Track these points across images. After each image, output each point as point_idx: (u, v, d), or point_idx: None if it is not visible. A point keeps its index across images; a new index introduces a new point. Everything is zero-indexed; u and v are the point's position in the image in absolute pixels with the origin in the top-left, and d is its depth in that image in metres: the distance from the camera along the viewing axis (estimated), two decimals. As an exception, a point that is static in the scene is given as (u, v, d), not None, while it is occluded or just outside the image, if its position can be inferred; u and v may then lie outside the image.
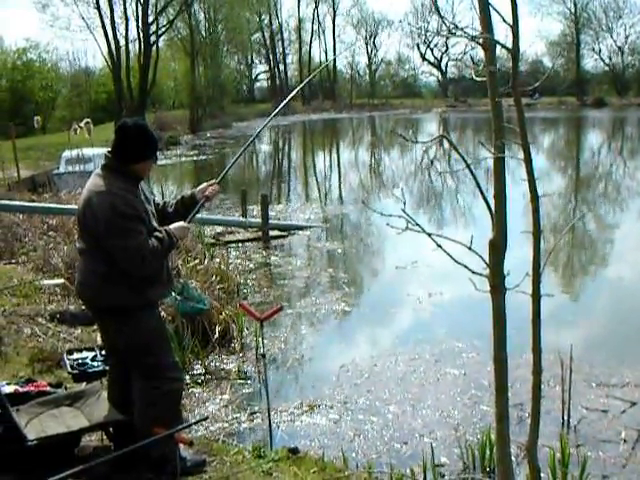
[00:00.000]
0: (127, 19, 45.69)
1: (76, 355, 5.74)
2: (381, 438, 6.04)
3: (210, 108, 49.27)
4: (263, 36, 73.62)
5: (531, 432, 4.52)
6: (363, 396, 6.89)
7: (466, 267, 4.69)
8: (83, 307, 7.92)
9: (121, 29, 45.17)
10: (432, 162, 28.89)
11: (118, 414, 4.80)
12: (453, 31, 4.38)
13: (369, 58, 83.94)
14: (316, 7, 78.37)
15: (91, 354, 5.73)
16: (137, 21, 45.37)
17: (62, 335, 7.81)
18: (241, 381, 7.22)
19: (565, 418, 6.24)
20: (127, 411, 4.84)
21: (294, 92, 6.85)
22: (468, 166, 4.78)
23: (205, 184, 5.07)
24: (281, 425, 6.27)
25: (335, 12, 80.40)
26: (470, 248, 3.91)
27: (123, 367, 4.92)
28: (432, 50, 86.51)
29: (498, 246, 4.49)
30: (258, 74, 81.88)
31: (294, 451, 5.17)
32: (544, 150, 34.66)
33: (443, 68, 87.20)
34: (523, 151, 4.28)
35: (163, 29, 47.15)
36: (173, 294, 7.36)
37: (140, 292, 4.56)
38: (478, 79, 4.09)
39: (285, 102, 6.11)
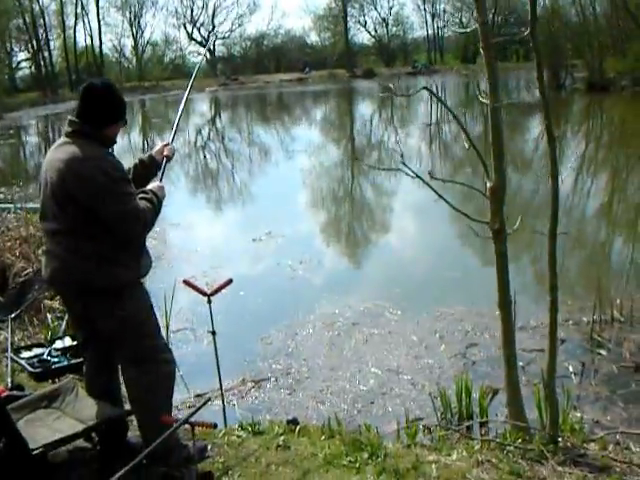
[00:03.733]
0: None
1: (28, 353, 5.19)
2: (345, 402, 5.96)
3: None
4: (24, 22, 69.66)
5: (548, 369, 4.65)
6: (302, 365, 6.76)
7: (466, 215, 4.76)
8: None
9: None
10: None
11: (113, 409, 4.39)
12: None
13: (135, 40, 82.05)
14: (78, -11, 75.26)
15: (44, 350, 5.20)
16: None
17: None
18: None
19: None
20: (114, 404, 4.49)
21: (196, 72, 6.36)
22: (455, 117, 4.83)
23: (159, 145, 4.80)
24: (232, 402, 6.04)
25: (98, -6, 77.64)
26: (475, 189, 3.98)
27: (104, 357, 4.53)
28: (199, 29, 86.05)
29: (499, 192, 4.59)
30: (19, 62, 77.65)
31: (294, 422, 4.98)
32: (317, 123, 35.86)
33: (211, 47, 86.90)
34: (541, 96, 4.38)
35: None
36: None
37: (131, 267, 4.17)
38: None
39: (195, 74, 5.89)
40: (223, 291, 5.34)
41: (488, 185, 4.56)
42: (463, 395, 5.58)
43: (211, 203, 16.26)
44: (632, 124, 25.27)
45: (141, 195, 4.21)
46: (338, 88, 61.27)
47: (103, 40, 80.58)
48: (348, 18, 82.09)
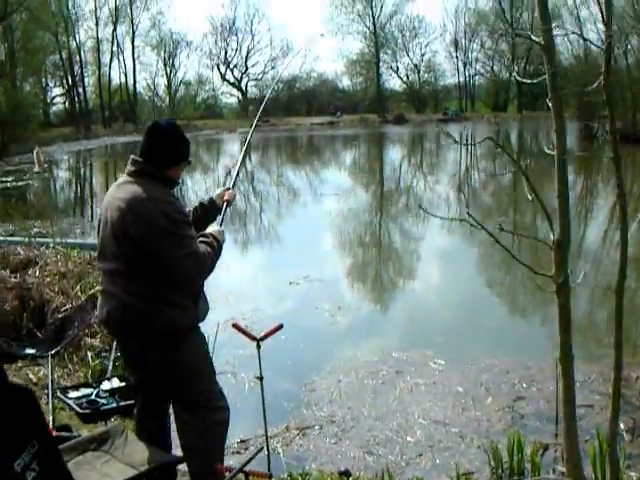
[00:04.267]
0: None
1: (75, 393, 5.11)
2: (392, 453, 5.82)
3: (16, 133, 46.65)
4: (61, 58, 70.77)
5: (611, 427, 4.51)
6: (346, 413, 6.62)
7: (530, 268, 4.66)
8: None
9: None
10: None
11: (166, 454, 4.31)
12: (516, 32, 4.35)
13: (168, 79, 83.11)
14: (115, 28, 76.49)
15: (91, 390, 5.14)
16: None
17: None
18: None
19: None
20: (165, 450, 4.41)
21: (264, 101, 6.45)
22: (520, 168, 4.76)
23: (220, 189, 4.82)
24: (277, 449, 5.92)
25: (134, 33, 78.86)
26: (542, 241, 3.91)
27: (157, 400, 4.47)
28: (232, 70, 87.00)
29: (563, 245, 4.49)
30: (53, 97, 78.73)
31: (347, 474, 4.86)
32: (346, 167, 35.98)
33: (243, 88, 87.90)
34: (614, 152, 4.30)
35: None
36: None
37: (189, 311, 4.14)
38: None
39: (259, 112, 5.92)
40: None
41: (551, 238, 4.47)
42: (515, 450, 5.43)
43: (241, 244, 16.15)
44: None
45: (201, 239, 4.19)
46: (369, 133, 61.63)
47: (137, 78, 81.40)
48: (380, 64, 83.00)
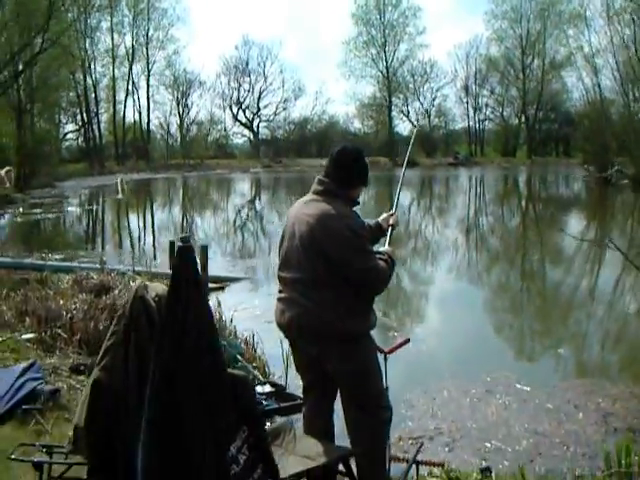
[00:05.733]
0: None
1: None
2: (506, 459, 6.32)
3: (37, 167, 47.37)
4: (77, 95, 71.70)
5: None
6: (451, 426, 7.13)
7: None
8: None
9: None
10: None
11: (341, 447, 4.71)
12: None
13: (181, 118, 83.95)
14: (130, 67, 77.64)
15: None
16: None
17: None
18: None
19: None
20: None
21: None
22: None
23: (386, 214, 5.29)
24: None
25: (149, 72, 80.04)
26: None
27: (328, 401, 4.95)
28: (244, 111, 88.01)
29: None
30: (66, 133, 79.40)
31: (488, 470, 5.36)
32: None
33: (255, 129, 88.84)
34: None
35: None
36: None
37: (367, 318, 4.62)
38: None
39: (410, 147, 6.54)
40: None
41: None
42: (623, 454, 5.92)
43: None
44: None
45: (379, 256, 4.69)
46: (379, 176, 62.19)
47: (150, 117, 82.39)
48: (392, 107, 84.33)
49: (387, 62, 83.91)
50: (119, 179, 36.21)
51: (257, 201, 43.36)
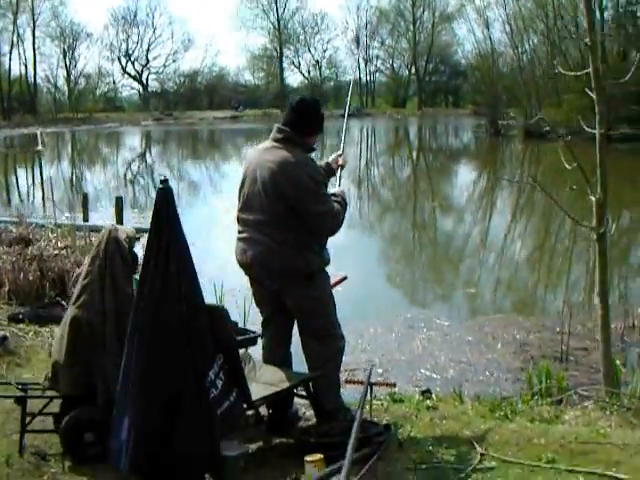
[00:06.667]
0: None
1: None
2: (437, 385, 6.80)
3: None
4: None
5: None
6: (381, 359, 7.60)
7: (576, 220, 5.78)
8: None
9: None
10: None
11: (302, 373, 5.02)
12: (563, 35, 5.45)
13: (68, 71, 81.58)
14: (15, 18, 74.64)
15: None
16: None
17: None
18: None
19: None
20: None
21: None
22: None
23: (334, 155, 5.52)
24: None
25: (35, 23, 77.19)
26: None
27: (286, 332, 5.24)
28: (133, 63, 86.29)
29: (602, 204, 5.67)
30: (-54, 87, 76.02)
31: (428, 392, 5.82)
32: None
33: (144, 81, 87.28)
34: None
35: None
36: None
37: (322, 255, 4.94)
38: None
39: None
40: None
41: (593, 199, 5.64)
42: (544, 377, 6.51)
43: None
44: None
45: (334, 198, 5.00)
46: (269, 127, 62.11)
47: (37, 70, 79.63)
48: (283, 59, 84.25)
49: (278, 13, 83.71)
50: (39, 132, 35.72)
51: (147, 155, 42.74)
